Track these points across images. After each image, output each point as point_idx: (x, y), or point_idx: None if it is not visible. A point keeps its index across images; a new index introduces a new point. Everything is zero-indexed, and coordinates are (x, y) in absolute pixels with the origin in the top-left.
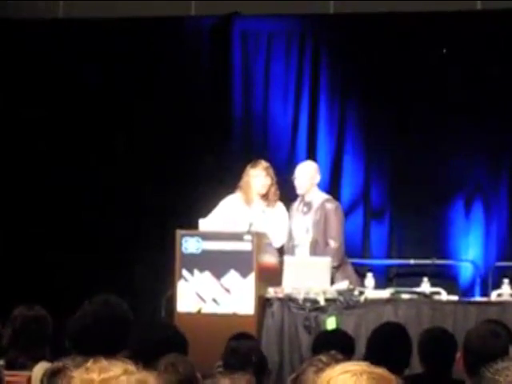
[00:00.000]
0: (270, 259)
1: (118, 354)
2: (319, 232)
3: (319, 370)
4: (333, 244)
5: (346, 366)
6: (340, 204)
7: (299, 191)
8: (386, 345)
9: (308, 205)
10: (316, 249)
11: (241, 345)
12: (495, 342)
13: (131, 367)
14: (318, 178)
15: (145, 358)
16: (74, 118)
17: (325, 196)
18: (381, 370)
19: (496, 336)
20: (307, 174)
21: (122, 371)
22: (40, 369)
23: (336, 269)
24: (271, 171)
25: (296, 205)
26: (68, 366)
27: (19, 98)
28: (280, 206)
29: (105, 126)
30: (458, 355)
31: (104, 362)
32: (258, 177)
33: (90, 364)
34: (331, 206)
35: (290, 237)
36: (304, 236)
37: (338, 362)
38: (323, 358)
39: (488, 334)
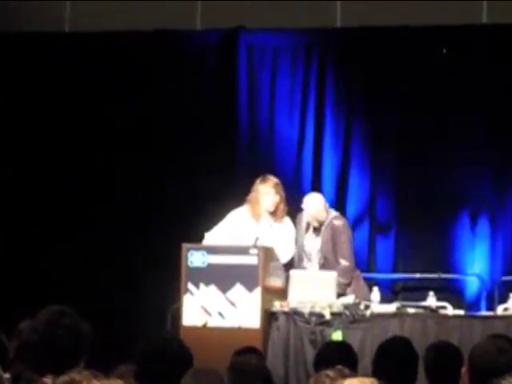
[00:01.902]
0: (276, 282)
1: (70, 369)
2: (328, 250)
3: None
4: (344, 262)
5: (356, 382)
6: (347, 219)
7: (307, 219)
8: (392, 359)
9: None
10: (326, 266)
11: (246, 363)
12: (501, 358)
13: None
14: (324, 212)
15: (150, 372)
16: (78, 130)
17: (332, 213)
18: None
19: (502, 351)
20: (316, 210)
21: None
22: None
23: (347, 285)
24: (280, 188)
25: (303, 223)
26: (78, 379)
27: (24, 110)
28: (287, 220)
29: (110, 139)
30: (464, 370)
31: (119, 382)
32: (268, 194)
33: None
34: (339, 223)
35: (300, 257)
36: (316, 256)
37: (345, 376)
38: (330, 372)
39: (493, 350)
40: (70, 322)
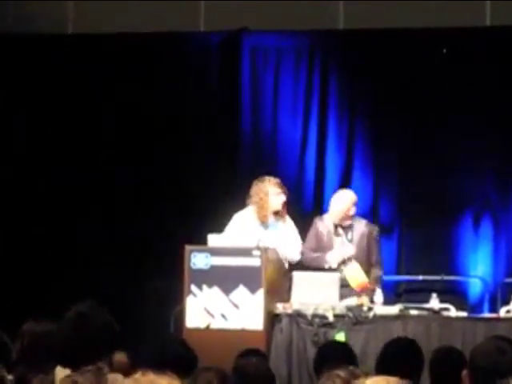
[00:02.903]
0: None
1: (97, 362)
2: (363, 258)
3: None
4: (377, 271)
5: (376, 382)
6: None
7: (332, 220)
8: (397, 360)
9: (347, 229)
10: None
11: (249, 366)
12: (501, 359)
13: (177, 381)
14: (352, 210)
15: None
16: (79, 131)
17: (363, 221)
18: None
19: (502, 353)
20: (343, 209)
21: None
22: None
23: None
24: (285, 188)
25: (330, 226)
26: (79, 382)
27: (25, 110)
28: (289, 220)
29: (112, 140)
30: (465, 372)
31: (152, 375)
32: (278, 195)
33: (138, 376)
34: (376, 231)
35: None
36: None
37: (356, 376)
38: (341, 373)
39: (494, 351)
40: (103, 316)
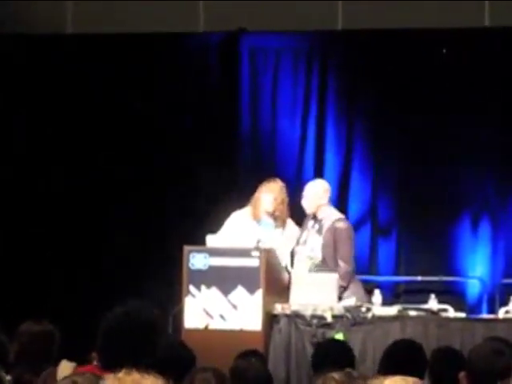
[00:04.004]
0: (279, 276)
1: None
2: (328, 252)
3: None
4: (343, 266)
5: (394, 382)
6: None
7: (307, 211)
8: (400, 361)
9: (320, 222)
10: (323, 268)
11: (247, 367)
12: (499, 360)
13: (162, 382)
14: (326, 198)
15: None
16: (79, 132)
17: (336, 215)
18: None
19: (499, 354)
20: (314, 195)
21: None
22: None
23: (344, 288)
24: (283, 191)
25: (310, 220)
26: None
27: (25, 110)
28: (290, 224)
29: (110, 141)
30: (462, 374)
31: (136, 375)
32: (269, 193)
33: (122, 375)
34: (342, 226)
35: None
36: (307, 253)
37: (353, 379)
38: (336, 375)
39: (491, 352)
40: (149, 317)
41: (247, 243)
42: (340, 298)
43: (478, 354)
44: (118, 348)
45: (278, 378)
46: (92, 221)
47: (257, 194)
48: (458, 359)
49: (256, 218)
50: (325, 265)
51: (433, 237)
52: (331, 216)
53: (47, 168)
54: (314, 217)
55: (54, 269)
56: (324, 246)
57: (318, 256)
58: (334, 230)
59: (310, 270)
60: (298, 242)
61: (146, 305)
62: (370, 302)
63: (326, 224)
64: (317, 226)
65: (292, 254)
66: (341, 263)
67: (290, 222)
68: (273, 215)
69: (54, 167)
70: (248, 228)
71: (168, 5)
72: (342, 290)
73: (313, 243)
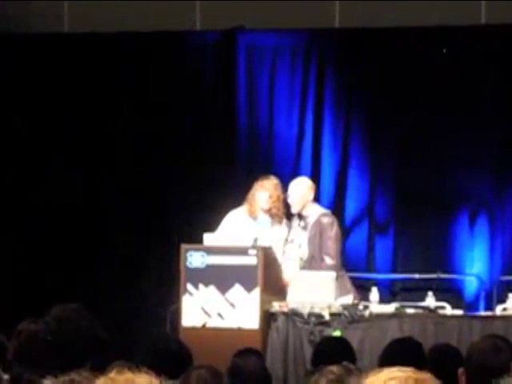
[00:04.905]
0: (277, 274)
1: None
2: (315, 247)
3: (330, 382)
4: (328, 261)
5: (391, 373)
6: (343, 218)
7: (293, 209)
8: (399, 359)
9: (305, 219)
10: (312, 264)
11: (245, 365)
12: (497, 357)
13: (155, 379)
14: (310, 196)
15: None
16: (76, 131)
17: (321, 210)
18: (427, 376)
19: (498, 351)
20: (298, 193)
21: (146, 383)
22: None
23: None
24: (279, 188)
25: (295, 219)
26: (78, 380)
27: (22, 111)
28: (285, 225)
29: (106, 140)
30: (461, 371)
31: (129, 374)
32: (264, 191)
33: (114, 374)
34: (327, 220)
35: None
36: (296, 251)
37: (349, 373)
38: (334, 368)
39: (489, 349)
40: (85, 322)
41: (244, 241)
42: None
43: (477, 351)
44: (55, 354)
45: (276, 376)
46: (90, 221)
47: (252, 192)
48: (455, 356)
49: (252, 215)
50: (312, 260)
51: (430, 234)
52: (316, 211)
53: (43, 167)
54: (299, 214)
55: (51, 268)
56: (310, 240)
57: (306, 253)
58: (319, 223)
59: (301, 269)
60: (286, 241)
61: (81, 310)
62: (364, 299)
63: (312, 219)
64: (302, 223)
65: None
66: (326, 258)
67: (285, 223)
68: (269, 212)
69: (49, 167)
70: (245, 226)
71: (165, 4)
72: None
73: (300, 240)
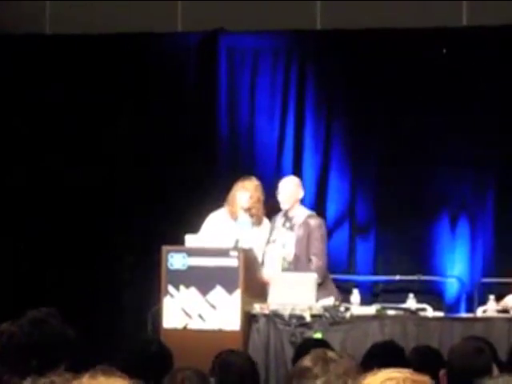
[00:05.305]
0: (258, 275)
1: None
2: (301, 248)
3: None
4: (315, 261)
5: (389, 374)
6: (324, 220)
7: (283, 206)
8: (381, 362)
9: (291, 220)
10: (298, 265)
11: (233, 362)
12: (478, 359)
13: (128, 382)
14: (301, 193)
15: (131, 373)
16: (59, 134)
17: (308, 212)
18: (425, 378)
19: (479, 353)
20: (291, 189)
21: None
22: None
23: (318, 285)
24: (259, 189)
25: (279, 219)
26: (58, 382)
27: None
28: (266, 223)
29: (88, 142)
30: (442, 372)
31: (102, 378)
32: (245, 191)
33: (86, 379)
34: (315, 222)
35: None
36: (278, 251)
37: (327, 362)
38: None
39: (471, 351)
40: (56, 324)
41: (226, 243)
42: None
43: (458, 353)
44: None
45: None
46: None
47: (232, 193)
48: (436, 358)
49: (233, 216)
50: (298, 262)
51: (411, 236)
52: (303, 213)
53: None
54: (285, 215)
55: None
56: (297, 242)
57: (291, 253)
58: (306, 225)
59: (284, 269)
60: (268, 241)
61: (55, 312)
62: (346, 301)
63: (299, 220)
64: (288, 224)
65: (262, 254)
66: (313, 258)
67: (266, 221)
68: (249, 212)
69: (37, 168)
70: (226, 228)
71: (146, 5)
72: (318, 286)
73: (284, 240)
